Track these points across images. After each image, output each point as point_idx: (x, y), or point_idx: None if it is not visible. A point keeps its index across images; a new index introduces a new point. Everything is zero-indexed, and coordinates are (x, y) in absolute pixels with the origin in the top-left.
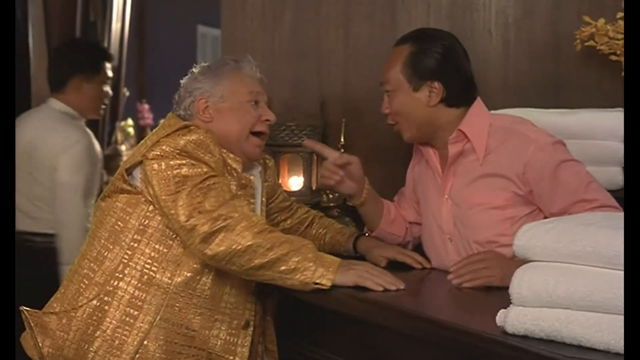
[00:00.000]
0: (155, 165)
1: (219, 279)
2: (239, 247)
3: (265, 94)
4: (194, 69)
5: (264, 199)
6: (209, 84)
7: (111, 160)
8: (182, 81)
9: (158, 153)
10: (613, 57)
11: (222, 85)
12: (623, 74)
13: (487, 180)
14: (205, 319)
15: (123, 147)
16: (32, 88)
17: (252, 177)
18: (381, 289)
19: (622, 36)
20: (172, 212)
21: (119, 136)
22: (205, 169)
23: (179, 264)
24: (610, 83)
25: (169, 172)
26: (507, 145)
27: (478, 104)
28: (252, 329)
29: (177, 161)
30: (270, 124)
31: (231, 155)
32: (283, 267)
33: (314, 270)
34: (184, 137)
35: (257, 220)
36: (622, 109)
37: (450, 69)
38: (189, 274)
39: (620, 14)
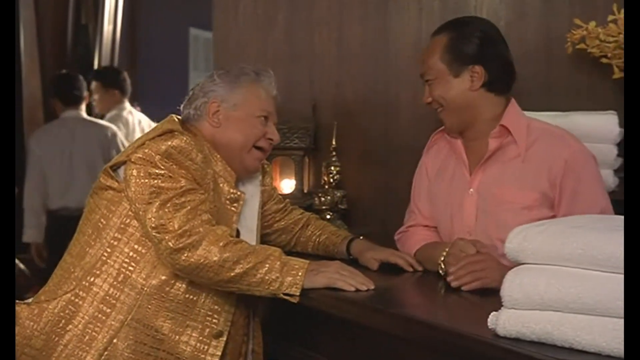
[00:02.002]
0: (135, 171)
1: (194, 285)
2: (206, 261)
3: (275, 113)
4: (214, 72)
5: (258, 208)
6: (225, 89)
7: None
8: (199, 81)
9: (140, 156)
10: (604, 60)
11: (238, 94)
12: (614, 76)
13: (521, 178)
14: (176, 323)
15: None
16: (23, 90)
17: (241, 194)
18: (353, 289)
19: (613, 39)
20: (142, 220)
21: None
22: (182, 183)
23: (156, 266)
24: (601, 86)
25: (146, 180)
26: (544, 144)
27: (514, 104)
28: (224, 339)
29: (156, 170)
30: (272, 144)
31: (228, 169)
32: (251, 280)
33: (281, 281)
34: (166, 142)
35: (222, 233)
36: (613, 112)
37: (490, 53)
38: (163, 277)
39: (611, 17)
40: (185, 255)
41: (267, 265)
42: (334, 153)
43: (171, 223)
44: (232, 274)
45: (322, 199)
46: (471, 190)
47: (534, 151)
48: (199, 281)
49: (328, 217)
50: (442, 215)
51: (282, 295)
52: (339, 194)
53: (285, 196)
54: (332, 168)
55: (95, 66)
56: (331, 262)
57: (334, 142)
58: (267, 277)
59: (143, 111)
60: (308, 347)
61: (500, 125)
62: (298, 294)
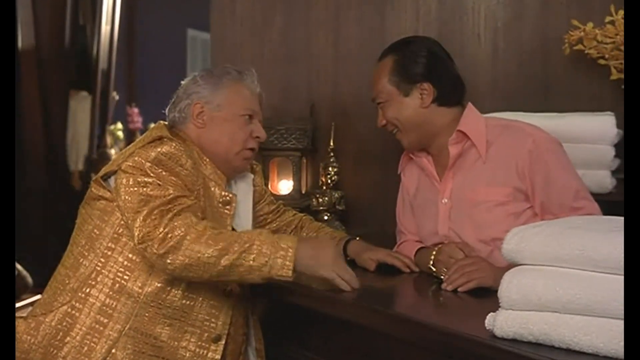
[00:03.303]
0: (125, 180)
1: (190, 291)
2: (191, 261)
3: (260, 112)
4: (195, 73)
5: (252, 208)
6: (208, 89)
7: (100, 164)
8: (182, 82)
9: (130, 164)
10: (601, 61)
11: (221, 94)
12: (612, 77)
13: (489, 176)
14: (174, 330)
15: (112, 151)
16: (21, 91)
17: (233, 196)
18: (349, 288)
19: (610, 40)
20: (131, 230)
21: (109, 140)
22: (170, 191)
23: (151, 274)
24: (599, 86)
25: (135, 189)
26: (505, 139)
27: (471, 107)
28: (223, 342)
29: (145, 178)
30: (259, 142)
31: (217, 171)
32: (240, 270)
33: (271, 265)
34: (156, 149)
35: (202, 229)
36: (610, 113)
37: (436, 69)
38: (159, 284)
39: (609, 18)
40: (170, 258)
41: (255, 252)
42: (331, 154)
43: (157, 229)
44: (220, 267)
45: (320, 199)
46: (444, 200)
47: (497, 148)
48: (192, 280)
49: (326, 218)
50: (423, 230)
51: (275, 277)
52: (336, 195)
53: (282, 197)
54: (330, 169)
55: (93, 67)
56: (325, 247)
57: (331, 143)
58: (255, 264)
59: (141, 112)
60: (305, 347)
61: (457, 131)
62: (290, 274)
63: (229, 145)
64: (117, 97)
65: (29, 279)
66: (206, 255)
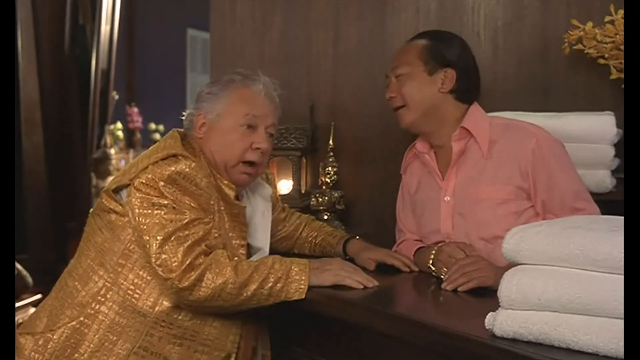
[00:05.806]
0: (138, 201)
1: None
2: (213, 293)
3: (269, 116)
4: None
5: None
6: (210, 99)
7: (100, 164)
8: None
9: (143, 181)
10: (601, 61)
11: (221, 103)
12: (612, 77)
13: (491, 175)
14: (184, 349)
15: (112, 151)
16: (21, 91)
17: (241, 207)
18: (361, 286)
19: (610, 40)
20: (147, 252)
21: (108, 139)
22: (186, 215)
23: (162, 293)
24: (598, 86)
25: (149, 211)
26: (508, 138)
27: (477, 106)
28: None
29: (160, 200)
30: (262, 153)
31: (224, 182)
32: (260, 298)
33: (287, 291)
34: (170, 168)
35: (222, 260)
36: (610, 112)
37: (465, 62)
38: (170, 305)
39: (608, 18)
40: (192, 292)
41: (271, 280)
42: (331, 153)
43: (174, 259)
44: (242, 298)
45: (320, 199)
46: (447, 197)
47: (500, 147)
48: (211, 310)
49: (325, 217)
50: (424, 229)
51: (290, 300)
52: (336, 195)
53: (282, 197)
54: (330, 168)
55: (93, 67)
56: (332, 260)
57: (331, 143)
58: (272, 291)
59: (141, 112)
60: (306, 346)
61: (460, 127)
62: (304, 296)
63: (226, 157)
64: (116, 97)
65: (29, 279)
66: (229, 287)
